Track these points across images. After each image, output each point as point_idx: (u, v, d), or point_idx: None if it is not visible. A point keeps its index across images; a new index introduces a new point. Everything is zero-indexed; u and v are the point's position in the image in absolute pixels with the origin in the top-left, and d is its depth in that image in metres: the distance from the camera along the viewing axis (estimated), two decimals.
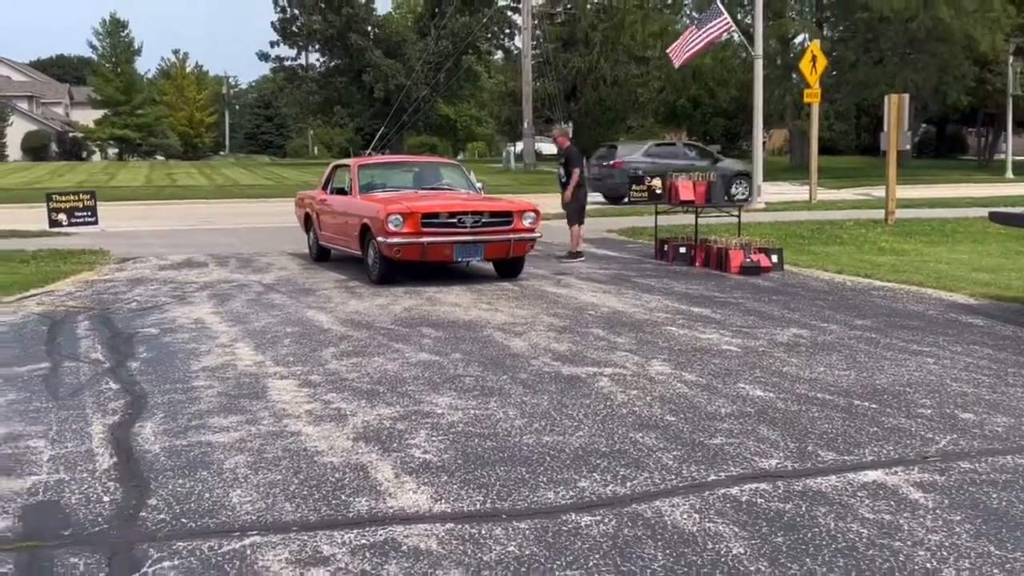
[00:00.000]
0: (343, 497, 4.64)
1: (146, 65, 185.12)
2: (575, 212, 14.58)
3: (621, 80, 54.12)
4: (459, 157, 72.79)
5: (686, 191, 13.97)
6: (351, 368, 7.37)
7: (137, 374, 7.25)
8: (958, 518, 4.30)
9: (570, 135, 16.05)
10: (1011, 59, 42.70)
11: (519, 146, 54.05)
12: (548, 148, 60.79)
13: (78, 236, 17.58)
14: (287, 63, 65.85)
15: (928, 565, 3.82)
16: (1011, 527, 4.19)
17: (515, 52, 57.41)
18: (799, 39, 46.73)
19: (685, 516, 4.35)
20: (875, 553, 3.94)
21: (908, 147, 25.47)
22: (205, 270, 13.72)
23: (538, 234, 12.26)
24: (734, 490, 4.68)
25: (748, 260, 12.81)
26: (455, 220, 11.65)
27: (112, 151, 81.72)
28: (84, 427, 5.85)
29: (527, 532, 4.19)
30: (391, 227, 11.35)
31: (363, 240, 12.19)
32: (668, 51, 24.63)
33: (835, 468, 4.99)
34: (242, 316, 9.78)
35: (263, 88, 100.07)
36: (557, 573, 3.78)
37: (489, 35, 62.82)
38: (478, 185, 13.72)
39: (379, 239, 11.52)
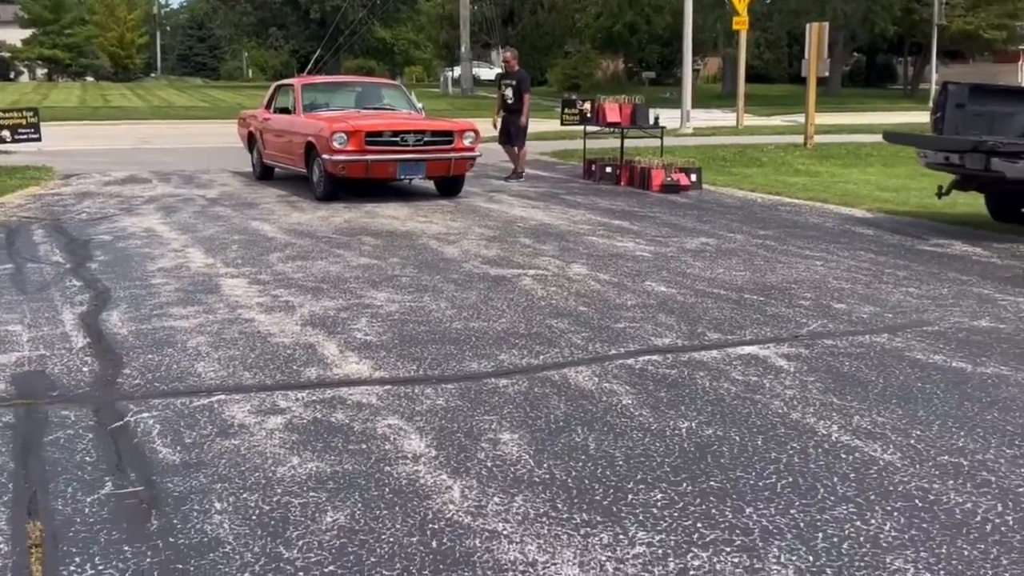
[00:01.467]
0: (295, 367, 5.36)
1: None
2: (521, 135, 15.10)
3: (559, 5, 54.27)
4: (396, 81, 72.51)
5: (612, 113, 14.68)
6: (296, 270, 8.04)
7: (97, 273, 7.86)
8: (812, 379, 5.16)
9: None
10: None
11: (457, 71, 54.16)
12: (486, 73, 60.95)
13: (17, 154, 17.81)
14: None
15: (780, 410, 4.67)
16: (853, 385, 5.06)
17: None
18: None
19: (586, 379, 5.16)
20: (739, 403, 4.78)
21: (827, 74, 26.36)
22: (149, 186, 14.18)
23: (478, 153, 12.77)
24: (630, 361, 5.49)
25: (669, 179, 13.61)
26: (398, 139, 12.09)
27: (41, 71, 79.92)
28: (55, 315, 6.48)
29: (453, 391, 4.96)
30: (336, 145, 11.75)
31: (308, 158, 12.56)
32: None
33: (718, 345, 5.83)
34: (190, 226, 10.35)
35: (196, 9, 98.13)
36: (477, 417, 4.56)
37: None
38: (419, 106, 14.16)
39: (324, 156, 11.93)
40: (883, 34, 49.34)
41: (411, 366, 5.40)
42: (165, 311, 6.60)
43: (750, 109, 31.28)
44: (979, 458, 4.10)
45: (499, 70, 47.93)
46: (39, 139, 17.95)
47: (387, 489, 3.77)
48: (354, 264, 8.29)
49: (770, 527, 3.47)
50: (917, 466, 4.01)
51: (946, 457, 4.11)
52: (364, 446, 4.20)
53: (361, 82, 16.21)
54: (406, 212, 11.45)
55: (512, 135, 15.08)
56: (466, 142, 12.51)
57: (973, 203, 11.16)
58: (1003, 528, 3.47)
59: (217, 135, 24.56)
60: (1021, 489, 3.79)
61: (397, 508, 3.61)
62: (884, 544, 3.35)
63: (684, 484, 3.83)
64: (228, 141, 22.00)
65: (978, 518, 3.55)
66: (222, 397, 4.85)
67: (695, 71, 53.46)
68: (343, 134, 11.80)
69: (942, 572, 3.16)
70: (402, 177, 12.41)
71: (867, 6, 43.93)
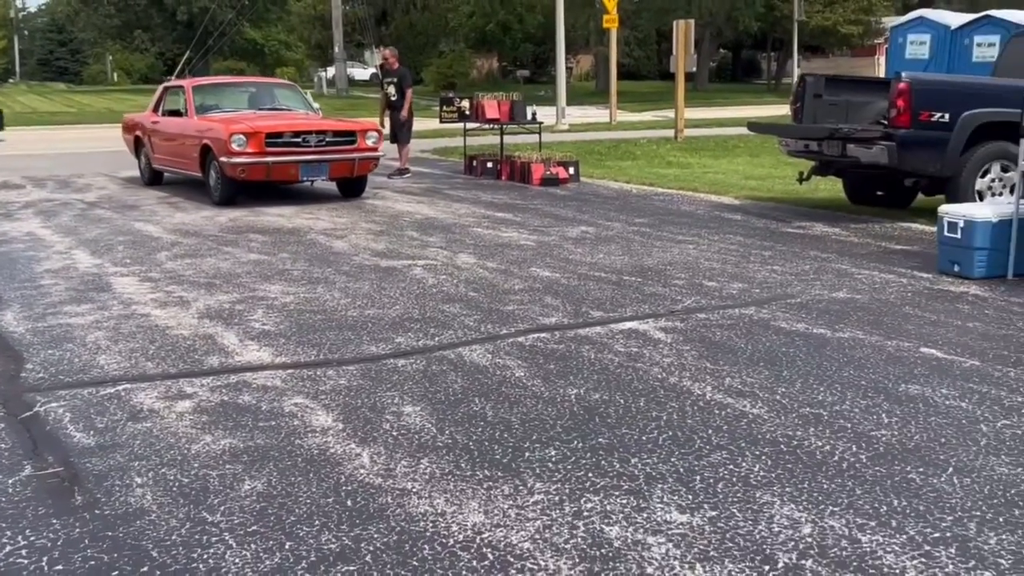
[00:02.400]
0: (196, 357, 5.53)
1: None
2: (406, 132, 15.29)
3: (431, 5, 54.45)
4: (291, 82, 71.48)
5: (491, 110, 15.03)
6: (187, 267, 8.13)
7: None
8: (687, 348, 5.58)
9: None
10: None
11: (331, 71, 53.83)
12: (360, 73, 60.71)
13: None
14: None
15: (659, 375, 5.07)
16: (724, 352, 5.50)
17: None
18: None
19: (480, 356, 5.47)
20: (621, 371, 5.16)
21: (695, 70, 27.27)
22: (24, 191, 13.92)
23: (381, 153, 12.62)
24: (520, 339, 5.82)
25: (548, 172, 14.03)
26: (299, 139, 11.83)
27: None
28: None
29: (354, 372, 5.21)
30: (234, 147, 11.37)
31: (203, 161, 12.11)
32: None
33: (601, 321, 6.21)
34: (72, 229, 10.28)
35: (55, 11, 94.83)
36: (379, 393, 4.83)
37: None
38: (316, 107, 13.97)
39: (222, 159, 11.53)
40: (747, 30, 51.08)
41: (311, 351, 5.62)
42: (59, 309, 6.65)
43: (622, 105, 32.07)
44: (836, 408, 4.56)
45: (373, 70, 47.66)
46: None
47: (300, 459, 4.01)
48: (244, 260, 8.42)
49: (653, 474, 3.84)
50: (782, 417, 4.44)
51: (808, 409, 4.55)
52: (273, 423, 4.43)
53: (255, 83, 15.80)
54: (291, 210, 11.57)
55: (398, 130, 15.28)
56: (369, 142, 12.33)
57: (833, 188, 11.87)
58: (857, 465, 3.91)
59: (86, 139, 24.06)
60: (873, 433, 4.25)
61: (311, 475, 3.85)
62: (754, 482, 3.75)
63: (575, 442, 4.18)
64: (99, 145, 21.60)
65: (836, 458, 3.99)
66: (128, 386, 4.99)
67: (568, 69, 54.35)
68: (242, 136, 11.45)
69: (804, 501, 3.58)
70: (304, 179, 12.11)
71: (731, 3, 45.40)
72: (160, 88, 14.68)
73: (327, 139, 12.02)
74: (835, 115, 10.76)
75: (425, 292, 7.11)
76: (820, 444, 4.13)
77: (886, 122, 9.79)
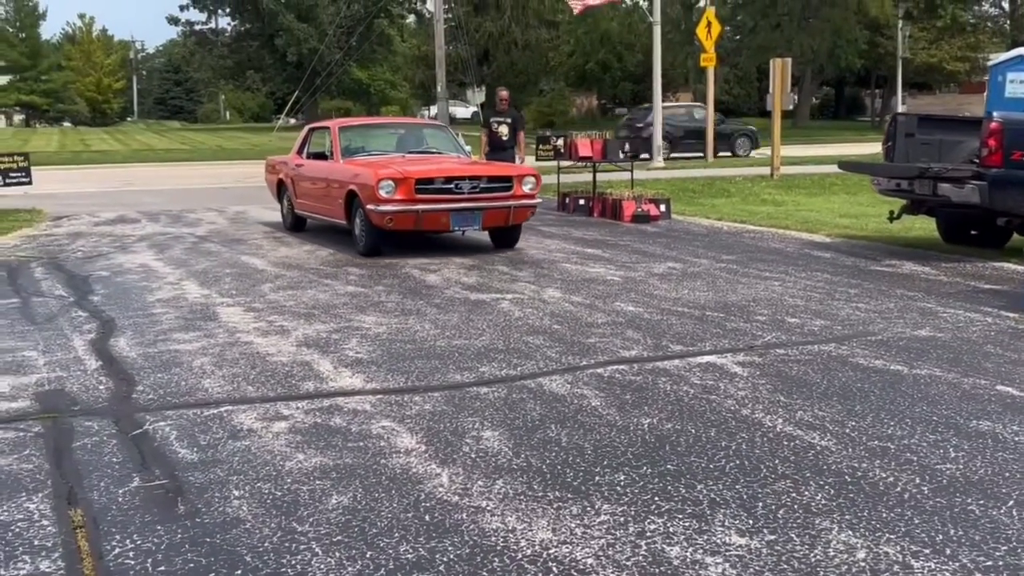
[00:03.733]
0: (293, 382, 5.88)
1: (51, 30, 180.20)
2: None
3: (532, 44, 55.28)
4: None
5: (584, 148, 15.31)
6: (288, 298, 8.56)
7: (100, 305, 8.35)
8: (763, 382, 5.71)
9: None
10: (900, 23, 45.05)
11: (433, 110, 54.91)
12: (461, 112, 61.78)
13: (6, 197, 18.27)
14: (197, 27, 65.64)
15: (732, 407, 5.22)
16: (799, 386, 5.62)
17: (427, 16, 58.04)
18: (702, 3, 48.39)
19: (559, 386, 5.69)
20: (695, 402, 5.33)
21: (792, 107, 27.17)
22: (138, 225, 14.67)
23: (538, 200, 11.60)
24: (599, 370, 6.04)
25: (639, 209, 14.23)
26: (452, 186, 10.78)
27: (18, 117, 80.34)
28: (67, 342, 6.97)
29: (439, 398, 5.49)
30: (382, 194, 10.47)
31: (349, 208, 11.25)
32: (571, 3, 25.95)
33: (680, 355, 6.38)
34: (183, 261, 10.86)
35: (172, 52, 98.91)
36: (461, 419, 5.09)
37: None
38: (467, 149, 13.07)
39: (369, 207, 10.62)
40: (850, 67, 50.67)
41: (400, 378, 5.92)
42: (168, 336, 7.10)
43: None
44: (905, 442, 4.65)
45: (475, 108, 48.43)
46: (30, 183, 18.43)
47: (384, 477, 4.29)
48: (341, 292, 8.81)
49: (717, 499, 4.01)
50: (849, 449, 4.56)
51: (876, 442, 4.66)
52: (361, 444, 4.72)
53: (404, 124, 15.32)
54: (389, 246, 11.97)
55: None
56: (526, 188, 11.17)
57: (927, 227, 11.80)
58: (918, 496, 4.02)
59: (198, 176, 25.11)
60: (938, 466, 4.34)
61: (393, 491, 4.12)
62: (814, 510, 3.89)
63: (644, 468, 4.37)
64: (210, 182, 22.56)
65: (898, 488, 4.10)
66: (229, 408, 5.35)
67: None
68: (390, 181, 10.53)
69: (862, 529, 3.70)
70: (456, 228, 11.09)
71: (832, 41, 45.09)
72: (305, 129, 13.90)
73: (481, 185, 10.95)
74: (927, 154, 10.75)
75: (510, 324, 7.37)
76: (884, 475, 4.24)
77: (978, 161, 9.76)
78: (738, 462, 4.42)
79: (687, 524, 3.77)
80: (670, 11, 44.24)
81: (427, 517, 3.86)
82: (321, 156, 12.68)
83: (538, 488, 4.14)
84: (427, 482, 4.22)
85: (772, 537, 3.64)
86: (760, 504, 3.95)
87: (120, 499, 4.09)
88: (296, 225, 13.39)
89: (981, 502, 3.94)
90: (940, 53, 49.26)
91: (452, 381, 5.84)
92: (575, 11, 26.65)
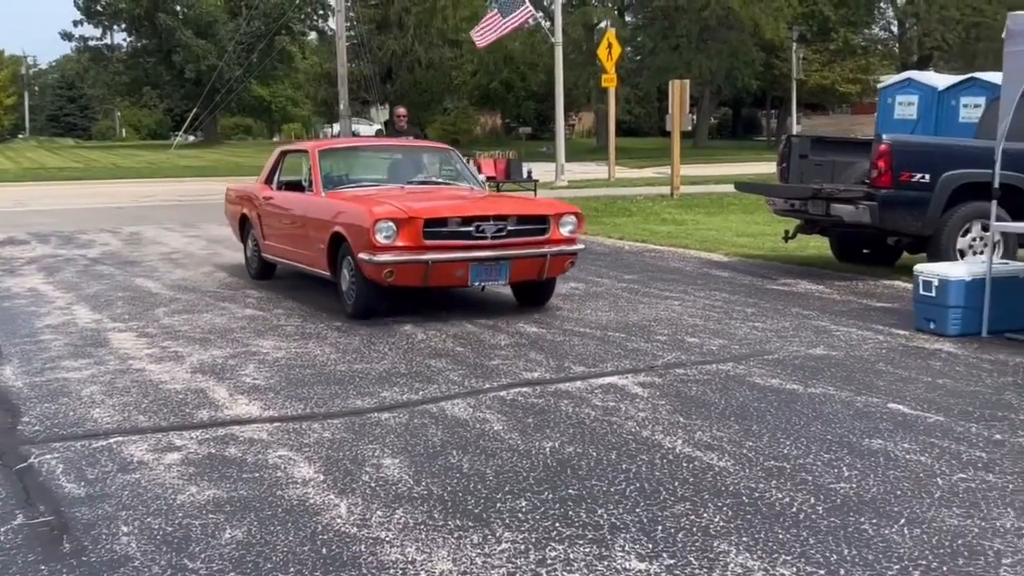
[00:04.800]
0: (187, 411, 5.72)
1: None
2: None
3: (436, 63, 55.31)
4: (275, 139, 72.45)
5: (487, 167, 15.37)
6: (183, 323, 8.34)
7: None
8: (663, 403, 5.76)
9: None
10: (794, 45, 46.28)
11: (336, 127, 54.52)
12: (365, 129, 61.46)
13: None
14: (92, 43, 64.12)
15: (633, 429, 5.25)
16: (697, 406, 5.68)
17: (329, 33, 57.75)
18: (603, 25, 49.06)
19: (461, 411, 5.65)
20: (597, 424, 5.34)
21: (691, 128, 27.70)
22: (28, 247, 14.18)
23: (580, 246, 8.79)
24: (502, 393, 6.01)
25: None
26: (471, 228, 8.16)
27: None
28: None
29: (339, 425, 5.39)
30: (380, 239, 7.88)
31: (333, 256, 8.58)
32: (472, 34, 25.95)
33: (582, 376, 6.40)
34: (74, 284, 10.52)
35: (66, 68, 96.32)
36: (361, 446, 5.01)
37: (302, 16, 62.94)
38: (481, 179, 10.77)
39: (362, 256, 7.98)
40: (747, 88, 51.79)
41: (298, 405, 5.81)
42: (57, 364, 6.85)
43: (622, 162, 32.47)
44: (800, 462, 4.73)
45: (379, 126, 48.19)
46: None
47: (280, 509, 4.19)
48: (239, 316, 8.63)
49: (618, 524, 4.01)
50: (747, 470, 4.61)
51: (772, 462, 4.72)
52: (257, 475, 4.61)
53: (399, 147, 11.33)
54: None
55: None
56: (564, 230, 8.51)
57: (822, 246, 12.09)
58: (813, 516, 4.08)
59: (93, 196, 24.44)
60: (832, 485, 4.42)
61: (289, 524, 4.02)
62: (713, 532, 3.92)
63: (546, 493, 4.35)
64: (105, 202, 21.97)
65: (793, 509, 4.15)
66: (119, 439, 5.18)
67: (570, 126, 55.14)
68: (390, 223, 7.93)
69: (759, 551, 3.74)
70: (477, 283, 8.40)
71: (730, 62, 46.05)
72: (275, 153, 11.07)
73: (509, 227, 8.29)
74: (820, 174, 11.01)
75: (413, 347, 7.31)
76: (780, 496, 4.29)
77: (869, 182, 10.04)
78: (638, 485, 4.44)
79: (587, 550, 3.76)
80: (572, 32, 44.74)
81: (324, 550, 3.77)
82: (297, 187, 9.99)
83: (439, 517, 4.09)
84: (325, 513, 4.13)
85: (671, 561, 3.66)
86: (660, 528, 3.96)
87: (2, 538, 3.91)
88: (263, 272, 10.59)
89: (874, 521, 4.01)
90: (832, 75, 50.65)
91: (352, 407, 5.75)
92: (477, 45, 26.65)
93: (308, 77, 64.99)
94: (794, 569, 3.58)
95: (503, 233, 8.26)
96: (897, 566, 3.60)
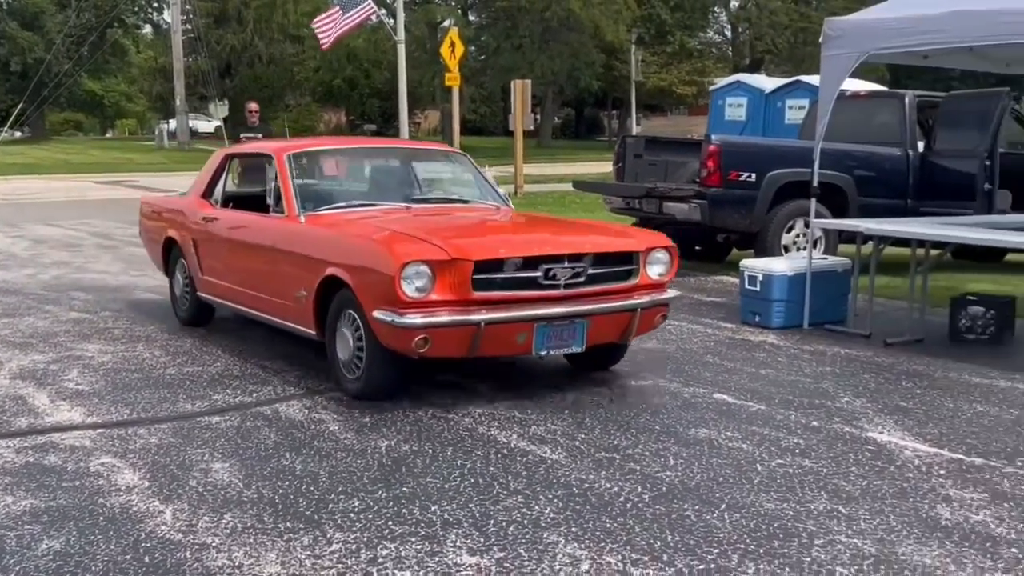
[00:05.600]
0: (4, 419, 5.45)
1: None
2: None
3: (277, 58, 54.22)
4: (108, 135, 69.75)
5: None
6: (3, 327, 7.94)
7: None
8: (500, 397, 5.81)
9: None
10: (633, 48, 47.42)
11: (172, 124, 52.90)
12: (204, 126, 59.88)
13: None
14: None
15: (470, 425, 5.28)
16: (533, 401, 5.76)
17: (164, 27, 56.02)
18: (447, 23, 49.12)
19: (297, 412, 5.57)
20: (434, 422, 5.34)
21: (533, 127, 28.05)
22: None
23: (674, 293, 6.39)
24: (339, 394, 5.94)
25: None
26: (538, 272, 5.66)
27: None
28: None
29: (167, 430, 5.24)
30: (410, 291, 5.37)
31: (321, 310, 6.02)
32: (315, 29, 25.55)
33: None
34: None
35: None
36: (189, 451, 4.88)
37: (136, 8, 60.78)
38: (503, 193, 7.66)
39: (379, 315, 5.46)
40: (588, 89, 52.71)
41: (124, 411, 5.61)
42: None
43: None
44: (629, 452, 4.85)
45: (218, 123, 46.99)
46: None
47: (101, 517, 4.04)
48: (64, 319, 8.27)
49: (451, 519, 4.03)
50: (578, 462, 4.71)
51: (603, 453, 4.83)
52: (78, 483, 4.43)
53: (395, 149, 8.47)
54: (119, 266, 11.39)
55: None
56: (654, 272, 6.15)
57: None
58: (640, 504, 4.19)
59: None
60: (659, 474, 4.55)
61: (111, 532, 3.89)
62: (543, 524, 3.99)
63: (380, 492, 4.33)
64: None
65: (621, 498, 4.26)
66: None
67: (416, 124, 55.00)
68: (425, 266, 5.41)
69: (587, 540, 3.82)
70: (542, 352, 5.79)
71: (572, 63, 46.79)
72: (218, 156, 8.06)
73: (589, 270, 5.84)
74: (655, 174, 11.33)
75: (247, 348, 7.15)
76: (609, 486, 4.40)
77: (699, 181, 10.38)
78: (473, 480, 4.47)
79: (419, 547, 3.76)
80: (415, 30, 44.66)
81: (147, 558, 3.66)
82: (253, 203, 7.35)
83: (268, 520, 4.02)
84: (149, 520, 4.01)
85: (501, 554, 3.70)
86: (492, 522, 4.00)
87: None
88: (197, 317, 7.90)
89: (697, 507, 4.15)
90: (670, 77, 52.13)
91: (181, 411, 5.60)
92: (323, 46, 26.22)
93: (143, 72, 62.73)
94: (620, 557, 3.68)
95: (580, 279, 5.79)
96: (717, 550, 3.74)
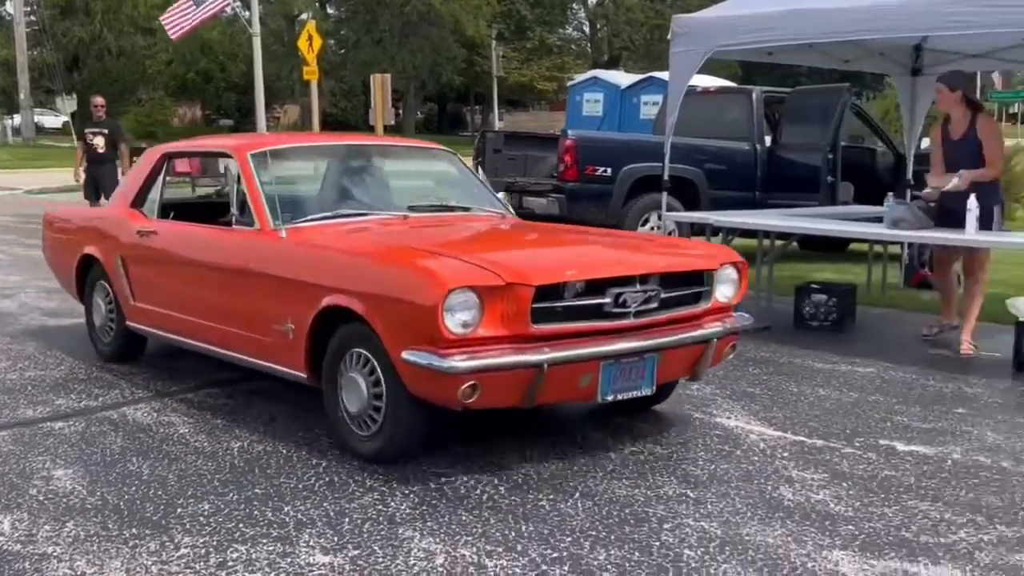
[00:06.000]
0: None
1: None
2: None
3: (127, 51, 52.43)
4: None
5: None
6: None
7: None
8: None
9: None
10: (494, 43, 47.72)
11: (16, 119, 50.61)
12: (50, 121, 57.45)
13: None
14: None
15: (324, 424, 5.22)
16: None
17: (7, 18, 53.49)
18: (304, 16, 48.41)
19: (145, 415, 5.41)
20: (290, 421, 5.28)
21: (394, 122, 27.97)
22: None
23: (748, 320, 5.38)
24: (190, 395, 5.81)
25: None
26: (606, 299, 4.61)
27: None
28: None
29: (6, 437, 5.02)
30: (455, 326, 4.26)
31: (314, 346, 4.86)
32: (164, 23, 24.77)
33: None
34: None
35: None
36: (30, 458, 4.69)
37: None
38: (501, 196, 6.47)
39: (410, 356, 4.32)
40: (450, 84, 52.77)
41: None
42: None
43: None
44: (488, 446, 4.88)
45: (66, 118, 45.20)
46: None
47: None
48: None
49: (304, 519, 3.98)
50: (438, 457, 4.70)
51: (461, 448, 4.85)
52: None
53: (379, 147, 6.98)
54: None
55: (108, 188, 14.39)
56: (723, 293, 5.16)
57: None
58: (496, 496, 4.23)
59: None
60: (515, 465, 4.60)
61: None
62: (399, 520, 3.98)
63: (231, 494, 4.25)
64: None
65: (478, 491, 4.28)
66: None
67: (275, 118, 53.98)
68: (472, 293, 4.29)
69: (442, 534, 3.83)
70: (608, 397, 4.69)
71: (433, 58, 46.78)
72: (151, 157, 6.65)
73: (662, 294, 4.82)
74: (514, 169, 11.42)
75: (94, 352, 6.90)
76: (466, 479, 4.42)
77: (557, 176, 10.51)
78: (328, 479, 4.43)
79: (271, 548, 3.71)
80: (272, 23, 43.92)
81: None
82: (197, 212, 6.47)
83: (113, 527, 3.89)
84: None
85: (356, 552, 3.68)
86: (347, 520, 3.97)
87: None
88: (125, 350, 6.60)
89: (551, 497, 4.21)
90: (531, 72, 52.69)
91: (22, 417, 5.37)
92: (173, 38, 25.41)
93: None
94: (474, 549, 3.70)
95: (652, 306, 4.76)
96: (569, 538, 3.80)
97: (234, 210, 5.47)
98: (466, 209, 6.05)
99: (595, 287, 4.58)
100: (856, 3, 6.81)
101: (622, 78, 19.69)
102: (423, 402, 4.43)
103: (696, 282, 4.99)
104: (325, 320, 4.73)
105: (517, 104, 62.81)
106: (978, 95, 30.93)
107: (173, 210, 6.51)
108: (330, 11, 50.36)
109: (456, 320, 4.21)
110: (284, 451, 4.81)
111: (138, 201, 6.46)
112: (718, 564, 3.59)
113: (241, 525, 3.92)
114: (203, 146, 7.70)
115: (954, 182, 6.85)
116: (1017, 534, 3.88)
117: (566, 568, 3.55)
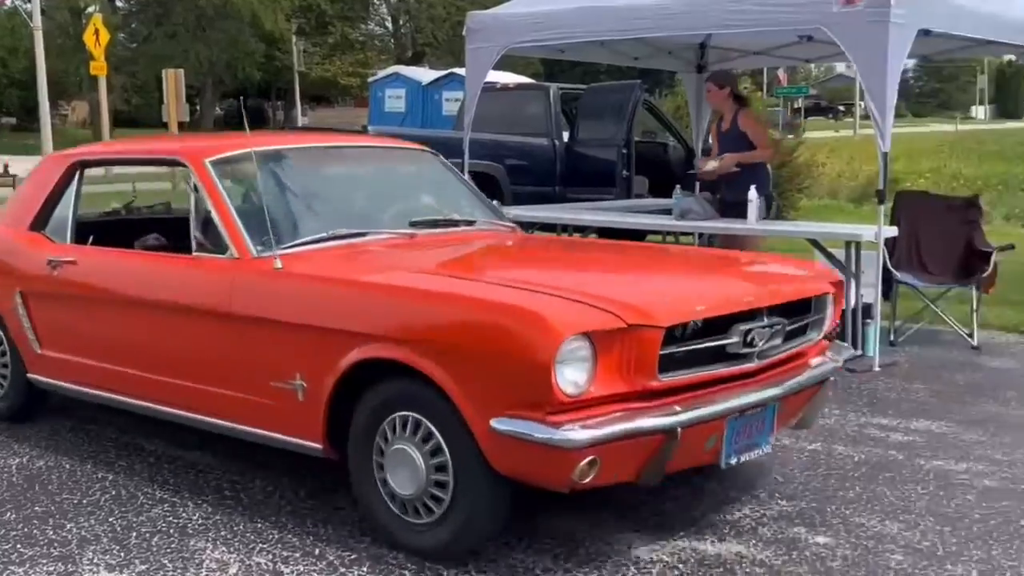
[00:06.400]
0: None
1: None
2: None
3: None
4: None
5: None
6: None
7: None
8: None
9: None
10: (294, 38, 46.85)
11: None
12: None
13: None
14: None
15: (112, 435, 4.99)
16: None
17: None
18: (91, 9, 46.17)
19: None
20: (72, 435, 5.01)
21: (188, 118, 27.02)
22: None
23: (848, 348, 5.39)
24: None
25: None
26: (734, 338, 3.68)
27: None
28: None
29: None
30: (566, 385, 3.21)
31: (330, 406, 3.75)
32: None
33: None
34: None
35: None
36: None
37: None
38: (495, 202, 5.83)
39: (505, 427, 3.25)
40: (250, 79, 51.41)
41: None
42: None
43: None
44: (284, 450, 4.77)
45: None
46: None
47: None
48: None
49: (88, 536, 3.80)
50: (229, 464, 4.58)
51: (261, 455, 4.72)
52: None
53: (361, 148, 5.42)
54: None
55: None
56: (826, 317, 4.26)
57: None
58: (295, 501, 4.16)
59: None
60: (315, 469, 4.51)
61: None
62: (190, 531, 3.85)
63: (8, 514, 4.01)
64: None
65: (276, 497, 4.20)
66: None
67: (62, 116, 51.30)
68: (585, 340, 3.27)
69: (236, 543, 3.74)
70: (731, 461, 3.74)
71: (231, 52, 45.48)
72: (57, 165, 5.24)
73: (785, 328, 3.93)
74: None
75: None
76: (264, 485, 4.32)
77: None
78: (114, 493, 4.24)
79: (52, 568, 3.52)
80: (58, 16, 41.61)
81: None
82: (123, 233, 5.21)
83: None
84: None
85: (144, 567, 3.53)
86: (134, 534, 3.81)
87: None
88: (24, 406, 5.27)
89: (349, 499, 4.16)
90: (334, 68, 51.89)
91: None
92: None
93: None
94: (270, 556, 3.62)
95: (776, 343, 3.89)
96: (368, 539, 3.76)
97: (196, 233, 4.26)
98: (470, 223, 4.90)
99: (716, 324, 3.64)
100: (643, 1, 7.03)
101: (424, 74, 19.71)
102: (502, 479, 3.41)
103: (816, 309, 4.15)
104: (350, 379, 3.67)
105: (321, 100, 61.86)
106: (764, 91, 32.64)
107: (96, 232, 5.03)
108: (120, 3, 48.15)
109: (570, 377, 3.21)
110: (67, 466, 4.58)
111: (39, 222, 5.07)
112: None
113: (19, 546, 3.70)
114: (133, 152, 5.82)
115: (712, 164, 7.40)
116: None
117: (365, 568, 3.52)
